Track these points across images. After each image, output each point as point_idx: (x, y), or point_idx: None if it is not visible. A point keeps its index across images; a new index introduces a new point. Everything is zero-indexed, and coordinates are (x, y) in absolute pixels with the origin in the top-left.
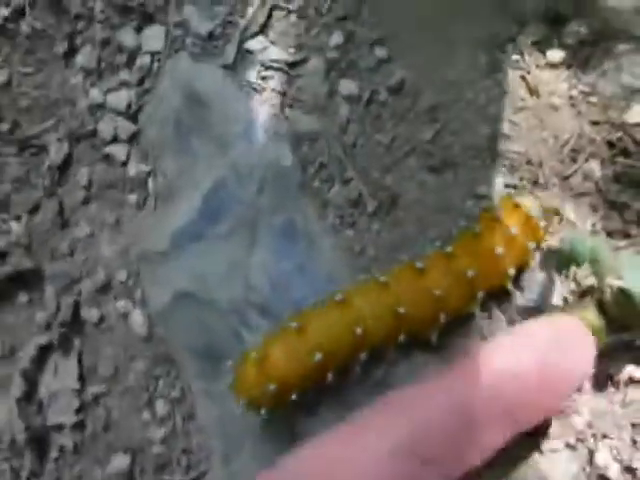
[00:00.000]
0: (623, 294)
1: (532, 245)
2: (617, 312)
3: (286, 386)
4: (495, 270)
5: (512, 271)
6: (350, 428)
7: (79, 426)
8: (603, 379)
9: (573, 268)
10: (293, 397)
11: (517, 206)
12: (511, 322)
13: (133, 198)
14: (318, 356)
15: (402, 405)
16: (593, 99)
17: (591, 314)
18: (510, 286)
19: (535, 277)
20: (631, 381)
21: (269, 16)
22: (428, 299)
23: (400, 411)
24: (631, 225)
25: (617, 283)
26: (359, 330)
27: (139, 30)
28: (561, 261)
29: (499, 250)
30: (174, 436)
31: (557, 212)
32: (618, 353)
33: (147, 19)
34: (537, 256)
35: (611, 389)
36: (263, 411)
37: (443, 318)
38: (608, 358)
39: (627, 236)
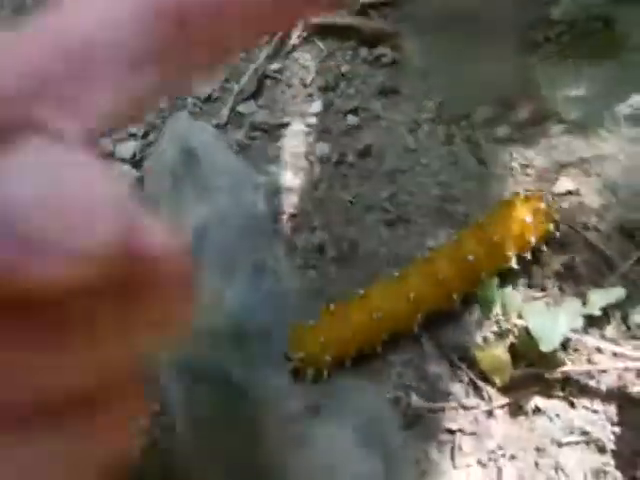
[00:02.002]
0: (528, 336)
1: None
2: (524, 351)
3: (346, 344)
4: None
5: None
6: None
7: None
8: (514, 407)
9: (495, 311)
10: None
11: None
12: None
13: None
14: (378, 314)
15: None
16: (529, 171)
17: (500, 351)
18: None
19: (464, 317)
20: (537, 410)
21: (260, 84)
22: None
23: None
24: (548, 280)
25: (521, 324)
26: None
27: None
28: (482, 306)
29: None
30: (154, 447)
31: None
32: (527, 385)
33: None
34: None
35: (520, 416)
36: (310, 374)
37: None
38: (518, 391)
39: (543, 289)
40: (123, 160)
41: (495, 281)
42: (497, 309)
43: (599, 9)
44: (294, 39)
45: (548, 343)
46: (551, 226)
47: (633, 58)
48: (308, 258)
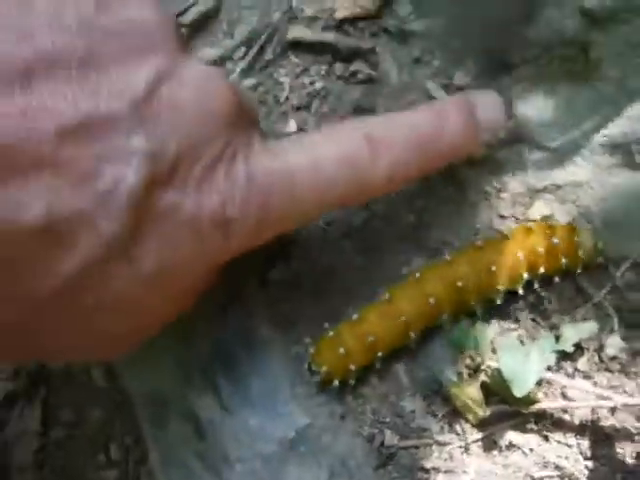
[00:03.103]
0: (499, 373)
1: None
2: (495, 388)
3: (375, 347)
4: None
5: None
6: None
7: (39, 466)
8: (488, 442)
9: (468, 346)
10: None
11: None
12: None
13: None
14: (403, 318)
15: None
16: (504, 195)
17: (473, 389)
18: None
19: (435, 353)
20: (511, 445)
21: None
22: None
23: None
24: (521, 312)
25: (494, 365)
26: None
27: None
28: (454, 342)
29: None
30: (125, 478)
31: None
32: (501, 422)
33: None
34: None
35: (494, 452)
36: (336, 382)
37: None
38: (492, 426)
39: (517, 320)
40: None
41: (466, 319)
42: (470, 344)
43: (574, 33)
44: (268, 54)
45: (521, 387)
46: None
47: (608, 85)
48: (282, 290)
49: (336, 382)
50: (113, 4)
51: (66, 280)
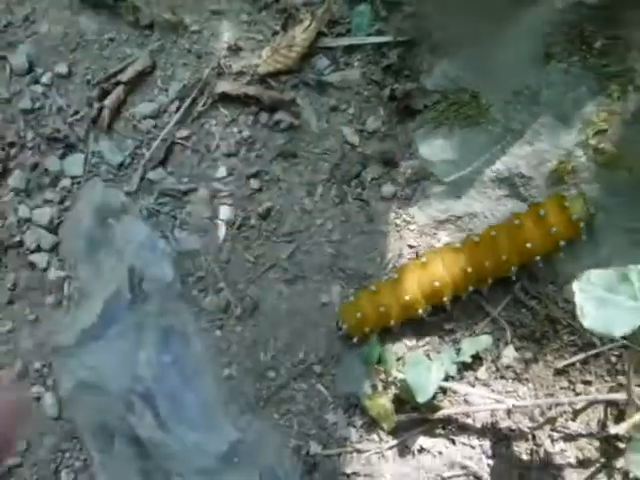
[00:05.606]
0: (405, 384)
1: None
2: (404, 398)
3: (386, 316)
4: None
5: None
6: None
7: None
8: (402, 448)
9: (379, 363)
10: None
11: (564, 208)
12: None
13: (51, 299)
14: (437, 283)
15: None
16: (412, 227)
17: (384, 400)
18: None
19: (354, 369)
20: (422, 449)
21: (169, 150)
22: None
23: None
24: (429, 330)
25: (400, 377)
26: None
27: (63, 157)
28: (365, 360)
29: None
30: None
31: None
32: (412, 427)
33: (70, 148)
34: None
35: (408, 456)
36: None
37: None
38: (405, 432)
39: (425, 337)
40: (40, 226)
41: (375, 337)
42: (378, 359)
43: (466, 82)
44: (200, 107)
45: (423, 394)
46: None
47: (495, 126)
48: (214, 319)
49: (355, 339)
50: None
51: None
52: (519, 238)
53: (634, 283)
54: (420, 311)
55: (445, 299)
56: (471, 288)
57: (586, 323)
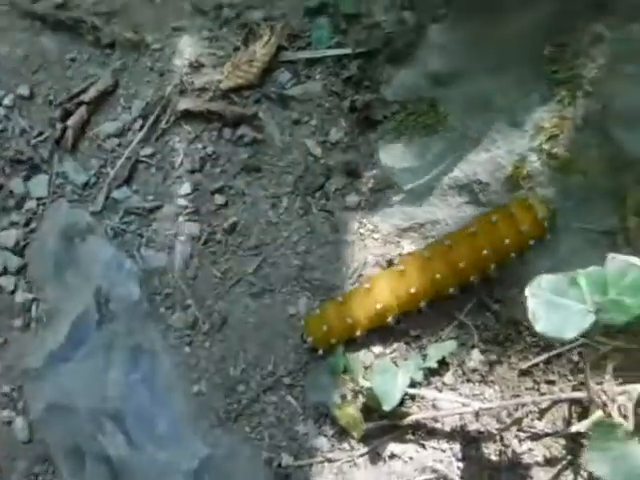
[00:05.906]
0: (372, 393)
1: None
2: (372, 405)
3: (353, 327)
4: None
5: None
6: None
7: None
8: (373, 455)
9: (345, 373)
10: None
11: (530, 207)
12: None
13: (19, 322)
14: (412, 289)
15: None
16: (376, 236)
17: (352, 409)
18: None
19: (322, 379)
20: (393, 455)
21: (133, 169)
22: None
23: None
24: (396, 337)
25: (367, 385)
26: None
27: (27, 179)
28: (331, 370)
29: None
30: None
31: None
32: (382, 434)
33: (34, 170)
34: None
35: (379, 463)
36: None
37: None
38: (375, 439)
39: (392, 345)
40: (6, 248)
41: (341, 347)
42: (344, 368)
43: (424, 91)
44: (163, 124)
45: (390, 402)
46: None
47: (453, 135)
48: (182, 336)
49: (320, 351)
50: None
51: None
52: (495, 237)
53: (582, 287)
54: (390, 319)
55: (422, 304)
56: (452, 290)
57: (538, 327)
